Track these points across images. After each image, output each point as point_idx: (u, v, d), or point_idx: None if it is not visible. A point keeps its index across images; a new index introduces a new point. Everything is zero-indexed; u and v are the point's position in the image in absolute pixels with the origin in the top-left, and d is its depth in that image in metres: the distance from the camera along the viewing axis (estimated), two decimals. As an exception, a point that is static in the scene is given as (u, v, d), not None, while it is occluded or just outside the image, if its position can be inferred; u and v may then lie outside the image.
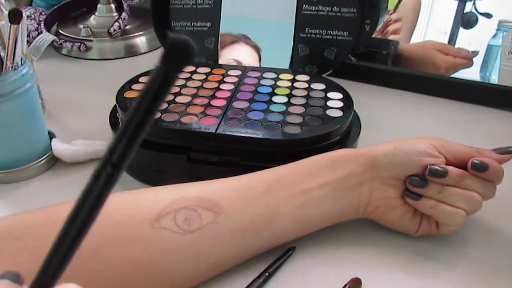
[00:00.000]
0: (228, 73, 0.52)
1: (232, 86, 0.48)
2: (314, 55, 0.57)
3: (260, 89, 0.48)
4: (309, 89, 0.48)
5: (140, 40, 0.75)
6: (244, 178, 0.34)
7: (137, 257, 0.29)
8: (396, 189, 0.36)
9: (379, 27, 0.59)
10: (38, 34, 0.71)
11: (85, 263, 0.28)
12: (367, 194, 0.35)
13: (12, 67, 0.42)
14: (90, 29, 0.74)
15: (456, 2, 0.60)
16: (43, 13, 0.75)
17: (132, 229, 0.30)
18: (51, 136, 0.48)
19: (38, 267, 0.27)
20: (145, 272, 0.29)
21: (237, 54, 0.61)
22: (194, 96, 0.46)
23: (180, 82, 0.49)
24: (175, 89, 0.48)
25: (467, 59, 0.60)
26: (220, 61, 0.60)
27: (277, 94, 0.47)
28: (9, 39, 0.41)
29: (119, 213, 0.30)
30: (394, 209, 0.36)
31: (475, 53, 0.60)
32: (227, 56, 0.61)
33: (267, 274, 0.33)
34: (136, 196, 0.32)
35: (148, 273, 0.29)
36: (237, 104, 0.45)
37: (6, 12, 0.42)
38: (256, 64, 0.61)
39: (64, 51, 0.74)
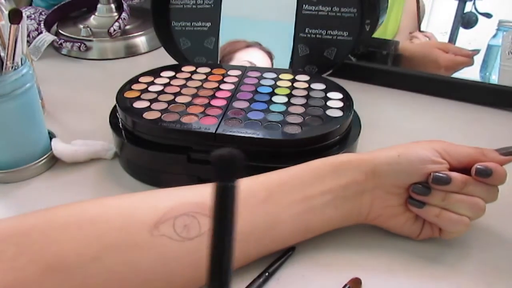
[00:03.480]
0: (228, 73, 0.52)
1: (232, 86, 0.48)
2: (314, 55, 0.57)
3: (260, 89, 0.48)
4: (309, 89, 0.48)
5: (140, 40, 0.75)
6: (245, 183, 0.34)
7: (136, 264, 0.29)
8: (398, 197, 0.35)
9: (379, 27, 0.59)
10: (38, 34, 0.71)
11: (84, 270, 0.28)
12: (368, 202, 0.35)
13: (12, 67, 0.42)
14: (90, 29, 0.74)
15: (456, 2, 0.60)
16: (43, 13, 0.75)
17: (131, 236, 0.29)
18: (51, 136, 0.48)
19: (36, 271, 0.27)
20: (144, 279, 0.29)
21: (251, 57, 0.61)
22: (194, 96, 0.46)
23: (180, 82, 0.50)
24: (175, 89, 0.48)
25: (468, 57, 0.60)
26: (234, 63, 0.60)
27: (277, 94, 0.47)
28: (9, 39, 0.41)
29: (118, 219, 0.30)
30: (396, 217, 0.36)
31: (476, 52, 0.60)
32: (241, 58, 0.61)
33: (267, 274, 0.33)
34: (135, 201, 0.32)
35: (147, 280, 0.29)
36: (237, 104, 0.45)
37: (6, 12, 0.42)
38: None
39: (64, 51, 0.74)
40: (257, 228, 0.32)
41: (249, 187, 0.33)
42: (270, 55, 0.61)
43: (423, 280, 0.34)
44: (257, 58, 0.61)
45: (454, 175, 0.34)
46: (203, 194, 0.32)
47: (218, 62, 0.60)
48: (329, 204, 0.34)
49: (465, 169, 0.34)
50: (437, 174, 0.34)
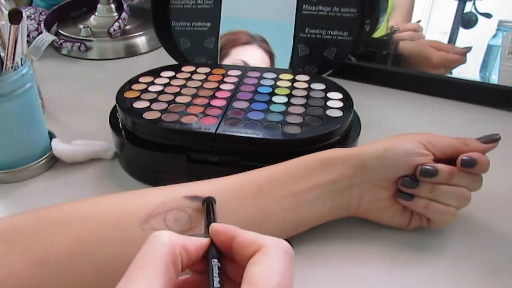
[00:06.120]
0: (228, 73, 0.52)
1: (232, 86, 0.48)
2: (314, 55, 0.57)
3: (260, 89, 0.48)
4: (309, 89, 0.48)
5: (140, 40, 0.75)
6: (235, 178, 0.34)
7: (127, 257, 0.29)
8: (387, 190, 0.36)
9: (379, 27, 0.59)
10: (38, 34, 0.71)
11: (74, 264, 0.28)
12: (357, 197, 0.36)
13: (12, 67, 0.42)
14: (90, 29, 0.74)
15: (456, 2, 0.60)
16: (43, 13, 0.75)
17: (122, 230, 0.30)
18: (51, 136, 0.48)
19: (26, 266, 0.27)
20: None
21: (246, 56, 0.60)
22: (194, 96, 0.46)
23: (180, 82, 0.50)
24: (175, 89, 0.48)
25: (461, 54, 0.60)
26: (228, 60, 0.59)
27: (277, 94, 0.47)
28: (9, 39, 0.41)
29: (110, 214, 0.30)
30: (385, 210, 0.37)
31: (468, 49, 0.60)
32: (236, 55, 0.60)
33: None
34: (126, 197, 0.33)
35: None
36: (237, 104, 0.45)
37: (6, 12, 0.42)
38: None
39: (64, 51, 0.74)
40: (247, 222, 0.33)
41: (239, 183, 0.34)
42: (271, 55, 0.60)
43: (423, 279, 0.34)
44: (254, 58, 0.60)
45: (441, 166, 0.34)
46: (194, 190, 0.33)
47: (218, 62, 0.60)
48: (319, 199, 0.35)
49: (449, 160, 0.35)
50: (424, 166, 0.34)
